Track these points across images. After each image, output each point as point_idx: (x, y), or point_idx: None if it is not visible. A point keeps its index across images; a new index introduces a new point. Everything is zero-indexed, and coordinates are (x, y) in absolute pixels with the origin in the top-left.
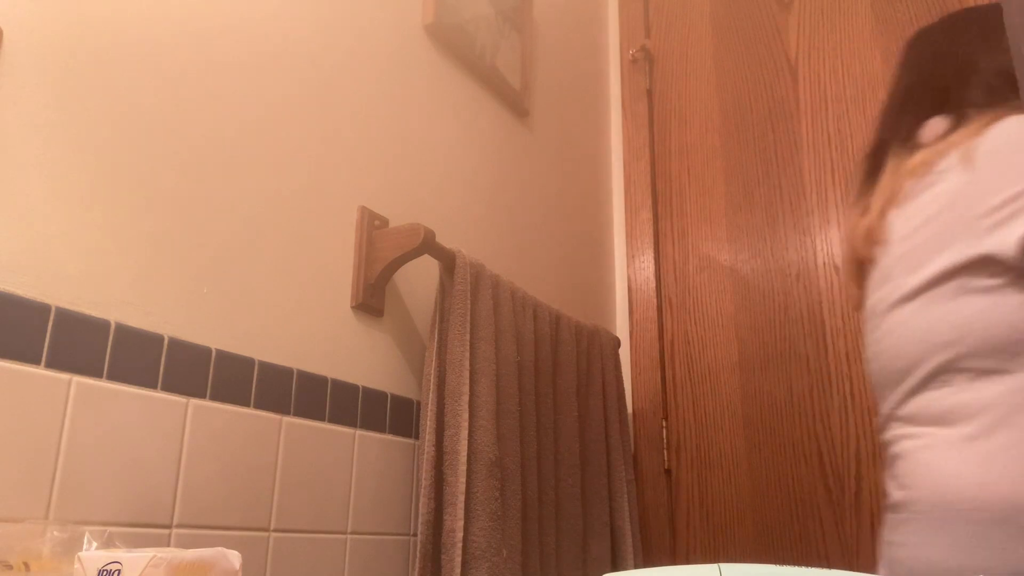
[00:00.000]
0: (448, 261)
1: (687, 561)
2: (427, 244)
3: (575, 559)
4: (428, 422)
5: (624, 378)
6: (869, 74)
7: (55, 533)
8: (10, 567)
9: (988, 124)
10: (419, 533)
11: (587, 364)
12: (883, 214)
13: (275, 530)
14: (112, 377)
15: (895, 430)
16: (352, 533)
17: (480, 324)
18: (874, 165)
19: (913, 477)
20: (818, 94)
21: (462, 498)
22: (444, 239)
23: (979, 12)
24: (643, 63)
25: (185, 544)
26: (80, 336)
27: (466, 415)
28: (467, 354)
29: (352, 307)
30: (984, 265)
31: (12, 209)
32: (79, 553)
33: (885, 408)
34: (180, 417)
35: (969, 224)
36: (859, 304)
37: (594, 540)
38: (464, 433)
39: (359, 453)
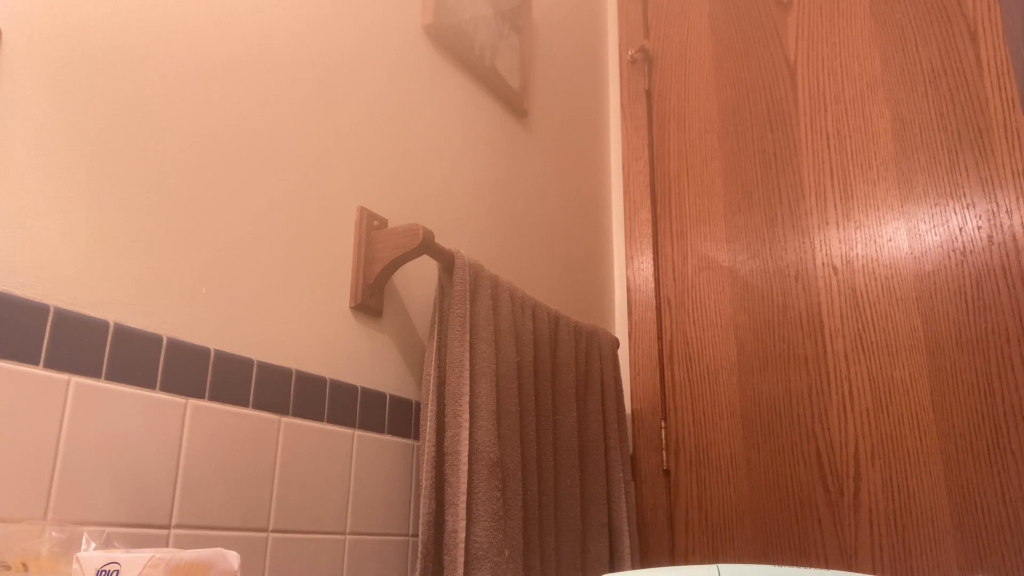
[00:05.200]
0: (447, 261)
1: (686, 562)
2: (426, 244)
3: (574, 559)
4: (428, 422)
5: (623, 379)
6: (868, 75)
7: (53, 534)
8: (8, 568)
9: None
10: (420, 534)
11: (586, 365)
12: None
13: (274, 531)
14: (111, 377)
15: None
16: (351, 534)
17: (479, 324)
18: None
19: None
20: (817, 95)
21: (464, 498)
22: (443, 239)
23: None
24: (642, 64)
25: (184, 544)
26: (79, 336)
27: (467, 415)
28: (467, 354)
29: (351, 307)
30: None
31: (10, 209)
32: (77, 553)
33: None
34: (179, 417)
35: None
36: None
37: (592, 540)
38: (465, 433)
39: (358, 453)
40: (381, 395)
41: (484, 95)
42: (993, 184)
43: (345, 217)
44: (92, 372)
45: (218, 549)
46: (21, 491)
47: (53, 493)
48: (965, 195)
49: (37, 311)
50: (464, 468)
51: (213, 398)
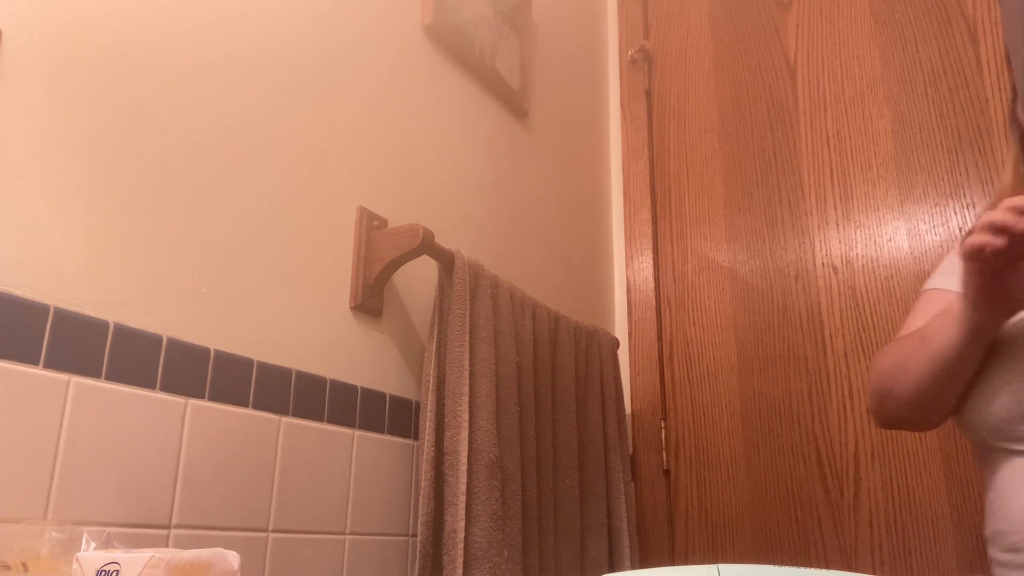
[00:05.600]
0: (447, 261)
1: (686, 562)
2: (426, 244)
3: (573, 560)
4: (428, 423)
5: (623, 379)
6: (868, 75)
7: (53, 534)
8: (8, 568)
9: None
10: (419, 534)
11: (586, 365)
12: None
13: (274, 531)
14: (111, 377)
15: None
16: (350, 534)
17: (479, 324)
18: None
19: None
20: (817, 95)
21: (463, 498)
22: (443, 239)
23: None
24: (642, 64)
25: (183, 544)
26: (79, 336)
27: (466, 415)
28: (466, 355)
29: (351, 307)
30: None
31: (10, 209)
32: (77, 554)
33: None
34: (179, 417)
35: None
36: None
37: (591, 541)
38: (464, 434)
39: (358, 454)
40: (381, 395)
41: (484, 95)
42: (993, 184)
43: (345, 217)
44: (92, 372)
45: (218, 549)
46: (21, 491)
47: (53, 493)
48: (965, 195)
49: (37, 311)
50: (463, 468)
51: (213, 398)
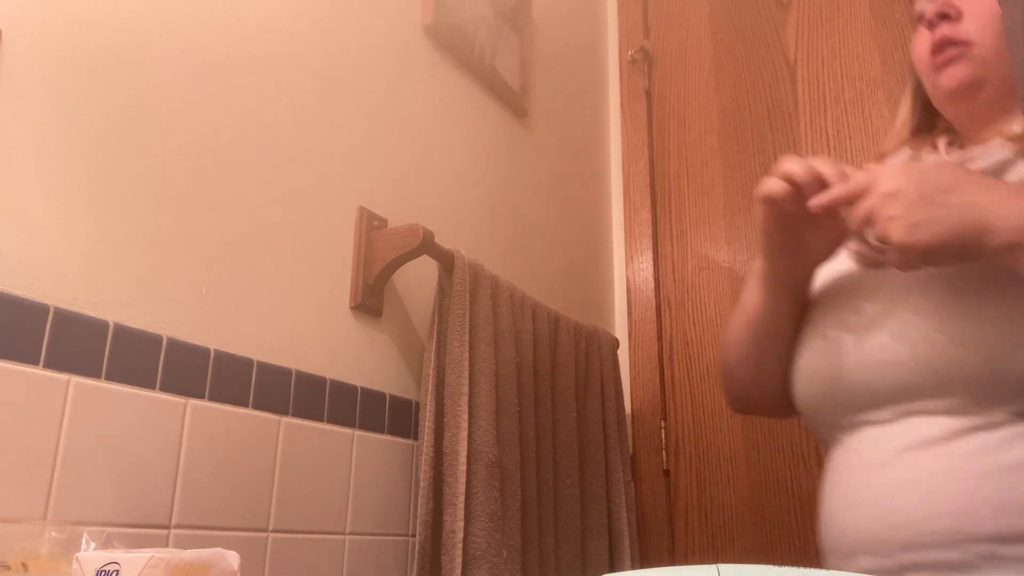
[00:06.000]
0: (447, 261)
1: (686, 562)
2: (426, 244)
3: (573, 560)
4: (427, 423)
5: (623, 379)
6: (868, 75)
7: (53, 534)
8: (8, 568)
9: None
10: (418, 534)
11: (586, 365)
12: None
13: (274, 531)
14: (110, 377)
15: None
16: (350, 534)
17: (479, 324)
18: None
19: None
20: (817, 95)
21: (462, 498)
22: (443, 239)
23: None
24: (642, 64)
25: (183, 545)
26: (78, 336)
27: (466, 416)
28: (466, 355)
29: (351, 307)
30: None
31: (10, 209)
32: (77, 554)
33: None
34: (178, 417)
35: None
36: None
37: (592, 541)
38: (464, 434)
39: (358, 454)
40: (381, 395)
41: (484, 95)
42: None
43: (345, 217)
44: (92, 372)
45: (218, 549)
46: (21, 491)
47: (53, 493)
48: None
49: (37, 311)
50: (463, 468)
51: (213, 398)
